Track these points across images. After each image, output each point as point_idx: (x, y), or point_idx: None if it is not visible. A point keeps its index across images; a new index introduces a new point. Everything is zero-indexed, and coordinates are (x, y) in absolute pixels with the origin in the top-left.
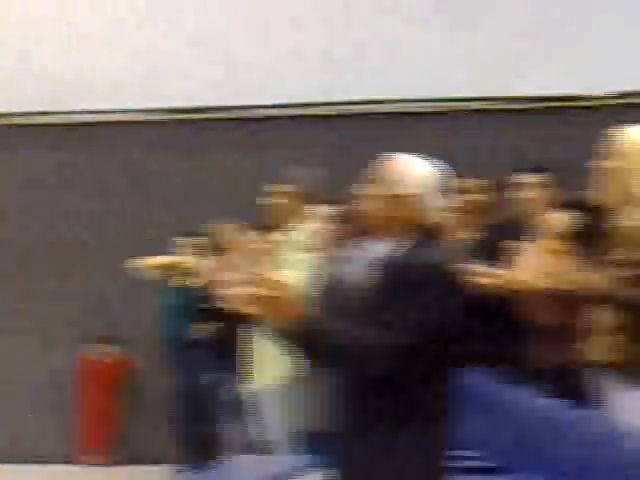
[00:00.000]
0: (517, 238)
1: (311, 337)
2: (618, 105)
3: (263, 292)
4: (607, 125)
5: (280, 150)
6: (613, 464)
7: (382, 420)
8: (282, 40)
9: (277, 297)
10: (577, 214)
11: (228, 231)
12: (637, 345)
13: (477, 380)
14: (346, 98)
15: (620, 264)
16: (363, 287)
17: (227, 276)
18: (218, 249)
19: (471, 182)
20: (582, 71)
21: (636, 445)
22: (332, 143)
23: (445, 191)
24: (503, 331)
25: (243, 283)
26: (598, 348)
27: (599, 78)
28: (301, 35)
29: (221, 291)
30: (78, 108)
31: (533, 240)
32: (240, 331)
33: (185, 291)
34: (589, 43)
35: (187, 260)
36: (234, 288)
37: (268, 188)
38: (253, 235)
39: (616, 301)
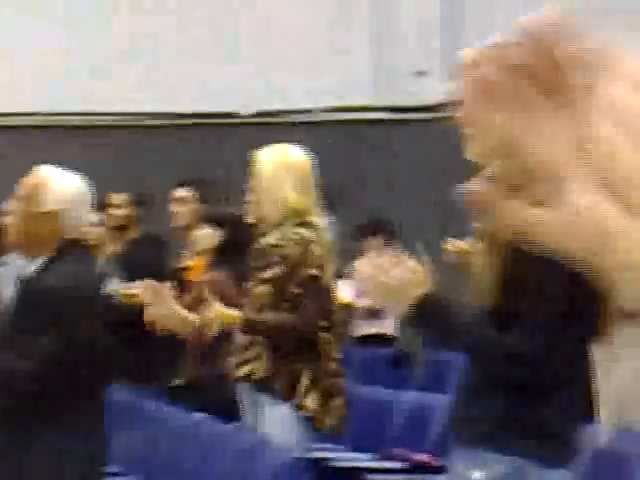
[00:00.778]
0: (161, 252)
1: None
2: (274, 124)
3: None
4: (261, 144)
5: None
6: (259, 477)
7: (15, 432)
8: None
9: None
10: (224, 230)
11: None
12: (280, 360)
13: (124, 395)
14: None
15: (258, 281)
16: (0, 306)
17: None
18: None
19: (115, 197)
20: (240, 90)
21: (279, 458)
22: None
23: (89, 206)
24: (149, 347)
25: None
26: (246, 364)
27: (256, 97)
28: None
29: None
30: None
31: (181, 255)
32: None
33: None
34: (245, 63)
35: None
36: None
37: None
38: None
39: (252, 323)
